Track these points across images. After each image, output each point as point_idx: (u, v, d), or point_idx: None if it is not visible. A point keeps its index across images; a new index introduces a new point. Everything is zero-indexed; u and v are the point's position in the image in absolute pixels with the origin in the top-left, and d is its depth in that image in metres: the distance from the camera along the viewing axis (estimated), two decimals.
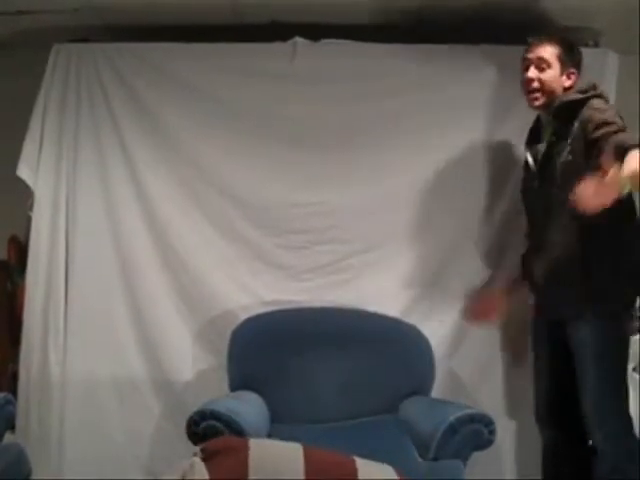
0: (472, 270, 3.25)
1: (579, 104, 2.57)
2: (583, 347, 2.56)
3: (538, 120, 2.82)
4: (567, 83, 2.70)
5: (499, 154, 3.27)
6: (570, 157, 2.56)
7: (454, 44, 3.26)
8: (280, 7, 3.21)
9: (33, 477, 2.80)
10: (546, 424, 2.78)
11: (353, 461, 1.87)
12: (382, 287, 3.25)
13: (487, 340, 3.24)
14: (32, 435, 3.15)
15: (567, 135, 2.59)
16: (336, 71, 3.28)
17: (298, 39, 3.29)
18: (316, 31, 3.28)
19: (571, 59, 2.73)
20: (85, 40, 3.32)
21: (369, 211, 3.28)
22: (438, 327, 3.18)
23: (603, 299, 2.55)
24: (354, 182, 3.29)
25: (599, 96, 2.60)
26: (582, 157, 2.50)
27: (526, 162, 2.82)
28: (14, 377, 3.26)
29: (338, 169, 3.28)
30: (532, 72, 2.70)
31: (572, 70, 2.72)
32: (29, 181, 3.25)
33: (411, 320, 3.15)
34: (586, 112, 2.53)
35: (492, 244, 3.26)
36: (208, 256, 3.27)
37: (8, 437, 2.83)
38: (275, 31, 3.31)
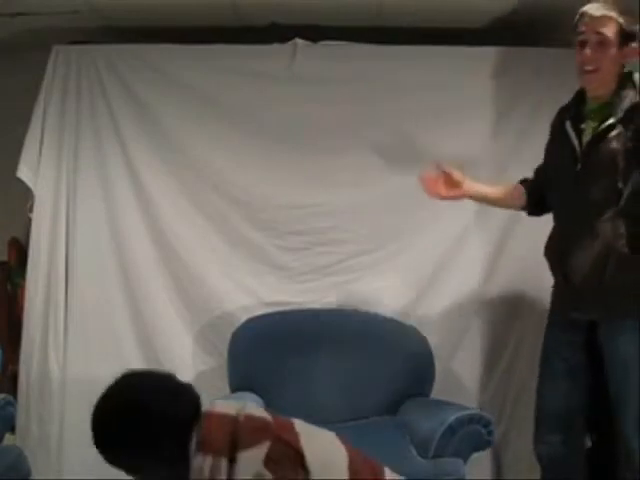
0: (472, 270, 3.26)
1: None
2: (623, 354, 2.37)
3: (580, 96, 2.53)
4: (627, 60, 2.42)
5: (500, 154, 3.27)
6: (631, 144, 2.33)
7: (454, 46, 3.26)
8: (280, 9, 3.22)
9: (33, 478, 2.80)
10: (552, 430, 2.57)
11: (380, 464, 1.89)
12: (382, 288, 3.25)
13: (487, 341, 3.26)
14: (32, 436, 3.16)
15: (629, 120, 2.35)
16: (336, 72, 3.29)
17: (298, 41, 3.30)
18: (316, 33, 3.29)
19: (632, 33, 2.39)
20: (85, 42, 3.32)
21: (369, 212, 3.28)
22: (438, 327, 3.19)
23: None
24: (354, 183, 3.29)
25: None
26: None
27: (566, 137, 2.50)
28: (14, 378, 3.27)
29: (338, 170, 3.29)
30: (589, 50, 2.39)
31: (634, 45, 2.40)
32: (29, 182, 3.25)
33: (411, 320, 3.15)
34: None
35: (492, 244, 3.27)
36: (208, 257, 3.27)
37: (8, 438, 2.84)
38: (275, 33, 3.32)
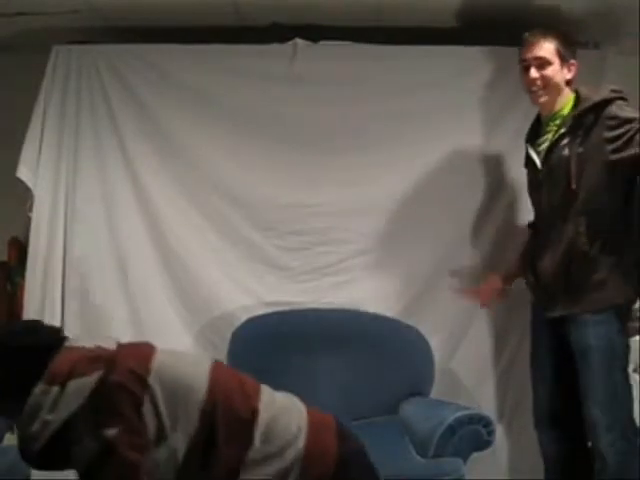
0: (471, 270, 3.25)
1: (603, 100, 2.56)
2: (587, 346, 2.53)
3: (538, 117, 2.81)
4: (569, 76, 2.69)
5: (498, 154, 3.28)
6: (581, 149, 2.55)
7: (454, 45, 3.27)
8: (280, 9, 3.22)
9: (33, 478, 2.79)
10: (547, 428, 2.74)
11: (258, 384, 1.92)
12: (382, 288, 3.25)
13: (486, 341, 3.26)
14: None
15: (578, 128, 2.58)
16: (336, 72, 3.28)
17: (298, 40, 3.30)
18: (316, 33, 3.29)
19: (570, 51, 2.71)
20: (85, 42, 3.32)
21: (369, 212, 3.28)
22: (438, 327, 3.19)
23: (609, 296, 2.53)
24: (354, 183, 3.29)
25: (624, 98, 2.59)
26: (596, 150, 2.52)
27: (528, 157, 2.79)
28: None
29: (338, 170, 3.28)
30: (533, 72, 2.68)
31: (572, 62, 2.70)
32: (29, 182, 3.24)
33: (411, 321, 3.15)
34: (612, 109, 2.52)
35: (491, 244, 3.27)
36: (208, 257, 3.27)
37: (8, 438, 2.83)
38: (275, 33, 3.32)
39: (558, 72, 2.67)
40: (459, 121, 3.27)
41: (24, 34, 3.42)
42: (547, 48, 2.67)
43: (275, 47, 3.30)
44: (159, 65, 3.30)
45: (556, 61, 2.67)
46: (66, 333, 3.14)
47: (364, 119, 3.29)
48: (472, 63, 3.28)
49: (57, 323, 3.18)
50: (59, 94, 3.27)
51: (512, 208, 3.24)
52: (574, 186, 2.54)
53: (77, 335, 1.90)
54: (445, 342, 3.21)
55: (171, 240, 3.26)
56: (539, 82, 2.68)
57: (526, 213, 3.21)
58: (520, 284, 3.18)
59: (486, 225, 3.28)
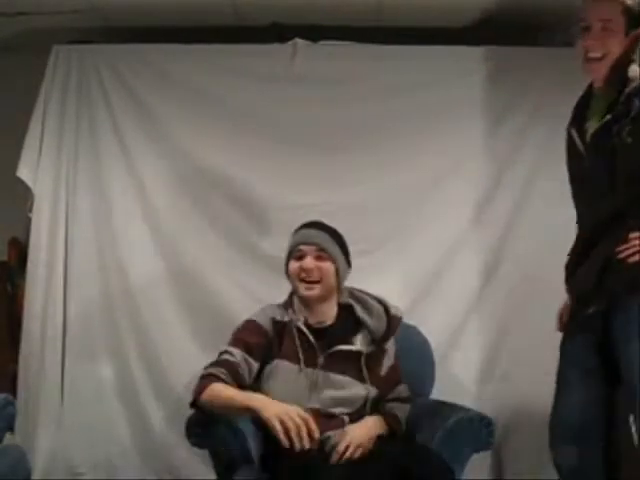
0: (472, 270, 3.26)
1: None
2: (634, 351, 2.16)
3: (588, 94, 2.36)
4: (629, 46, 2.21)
5: (499, 154, 3.27)
6: (630, 139, 2.16)
7: (454, 45, 3.27)
8: (280, 9, 3.22)
9: (32, 479, 2.79)
10: (569, 443, 2.37)
11: None
12: (382, 288, 3.23)
13: (487, 341, 3.25)
14: (31, 436, 3.15)
15: (626, 113, 2.17)
16: (336, 72, 3.29)
17: (298, 40, 3.30)
18: (316, 33, 3.29)
19: (637, 17, 2.20)
20: (85, 41, 3.32)
21: (369, 212, 3.28)
22: (438, 327, 3.18)
23: None
24: (354, 183, 3.29)
25: None
26: None
27: (572, 143, 2.35)
28: (14, 378, 3.26)
29: (338, 170, 3.29)
30: (591, 38, 2.22)
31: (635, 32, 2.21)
32: (29, 182, 3.25)
33: (411, 321, 3.14)
34: None
35: (492, 243, 3.27)
36: (209, 258, 3.27)
37: (8, 438, 2.83)
38: (275, 32, 3.32)
39: (623, 40, 2.20)
40: (459, 121, 3.27)
41: (24, 34, 3.42)
42: (614, 9, 2.19)
43: (275, 47, 3.30)
44: (159, 65, 3.30)
45: (623, 26, 2.20)
46: (67, 335, 3.19)
47: (364, 119, 3.29)
48: (472, 63, 3.28)
49: (58, 324, 3.20)
50: (59, 94, 3.27)
51: (512, 208, 3.24)
52: (618, 182, 2.20)
53: None
54: (445, 342, 3.20)
55: (171, 240, 3.27)
56: (598, 49, 2.21)
57: (527, 213, 3.22)
58: (520, 285, 3.19)
59: (488, 225, 3.27)
